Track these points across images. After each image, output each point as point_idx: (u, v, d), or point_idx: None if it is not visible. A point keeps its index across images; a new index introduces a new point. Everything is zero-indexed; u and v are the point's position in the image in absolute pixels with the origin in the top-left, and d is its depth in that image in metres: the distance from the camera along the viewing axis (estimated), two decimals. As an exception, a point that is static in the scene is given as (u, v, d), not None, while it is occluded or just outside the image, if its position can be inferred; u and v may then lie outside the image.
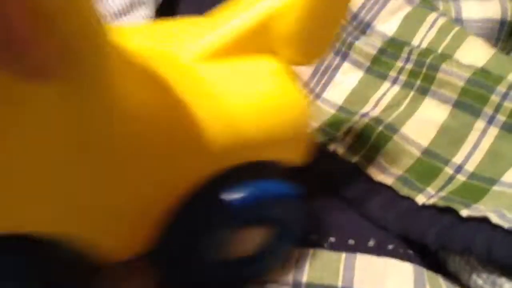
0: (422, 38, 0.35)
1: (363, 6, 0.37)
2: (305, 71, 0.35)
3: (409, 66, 0.33)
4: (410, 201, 0.28)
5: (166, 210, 0.20)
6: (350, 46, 0.35)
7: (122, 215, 0.19)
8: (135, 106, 0.18)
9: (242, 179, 0.21)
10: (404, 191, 0.28)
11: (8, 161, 0.15)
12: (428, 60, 0.33)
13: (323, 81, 0.35)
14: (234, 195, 0.21)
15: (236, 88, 0.21)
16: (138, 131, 0.18)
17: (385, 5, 0.36)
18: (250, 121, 0.21)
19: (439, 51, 0.33)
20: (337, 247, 0.27)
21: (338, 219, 0.28)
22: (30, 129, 0.15)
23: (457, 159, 0.29)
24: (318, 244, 0.27)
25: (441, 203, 0.26)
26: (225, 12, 0.23)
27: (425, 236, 0.26)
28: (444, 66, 0.32)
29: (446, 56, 0.33)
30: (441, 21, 0.35)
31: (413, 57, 0.34)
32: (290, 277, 0.25)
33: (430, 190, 0.28)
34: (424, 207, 0.27)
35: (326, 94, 0.35)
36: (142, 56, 0.19)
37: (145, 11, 0.40)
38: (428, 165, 0.29)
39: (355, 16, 0.36)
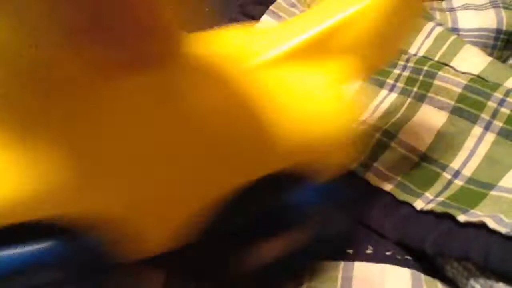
0: (419, 46, 0.35)
1: None
2: None
3: (406, 73, 0.34)
4: (409, 206, 0.28)
5: (210, 208, 0.21)
6: None
7: (172, 207, 0.20)
8: (207, 107, 0.19)
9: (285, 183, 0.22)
10: (403, 196, 0.28)
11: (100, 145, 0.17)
12: (425, 68, 0.33)
13: None
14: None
15: (294, 95, 0.21)
16: (207, 131, 0.19)
17: None
18: (302, 128, 0.21)
19: (436, 58, 0.34)
20: (336, 256, 0.27)
21: (337, 228, 0.28)
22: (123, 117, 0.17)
23: (455, 164, 0.29)
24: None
25: (439, 209, 0.26)
26: (304, 17, 0.23)
27: (422, 243, 0.26)
28: (441, 73, 0.32)
29: (443, 64, 0.33)
30: (437, 30, 0.35)
31: (410, 64, 0.34)
32: (290, 285, 0.25)
33: (428, 195, 0.28)
34: (422, 213, 0.27)
35: None
36: (212, 62, 0.20)
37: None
38: (426, 171, 0.29)
39: None
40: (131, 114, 0.18)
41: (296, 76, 0.22)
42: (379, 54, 0.24)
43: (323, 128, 0.22)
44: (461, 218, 0.25)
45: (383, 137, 0.31)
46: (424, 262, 0.27)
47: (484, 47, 0.36)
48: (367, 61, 0.23)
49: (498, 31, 0.37)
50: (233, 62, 0.21)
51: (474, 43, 0.35)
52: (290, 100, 0.21)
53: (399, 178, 0.29)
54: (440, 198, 0.28)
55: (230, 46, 0.22)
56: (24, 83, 0.16)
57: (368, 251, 0.27)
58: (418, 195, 0.28)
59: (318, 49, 0.22)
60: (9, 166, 0.17)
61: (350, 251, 0.27)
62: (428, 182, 0.29)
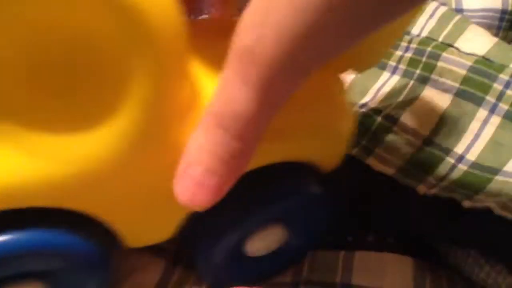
0: (422, 27, 0.34)
1: None
2: None
3: (408, 54, 0.33)
4: (411, 191, 0.27)
5: None
6: None
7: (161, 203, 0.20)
8: None
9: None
10: (405, 181, 0.28)
11: None
12: (428, 48, 0.32)
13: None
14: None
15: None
16: None
17: None
18: (300, 123, 0.21)
19: (440, 39, 0.33)
20: (336, 245, 0.27)
21: (338, 215, 0.28)
22: None
23: (459, 148, 0.28)
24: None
25: (443, 194, 0.26)
26: None
27: (425, 229, 0.26)
28: (445, 54, 0.31)
29: (447, 45, 0.32)
30: (441, 10, 0.34)
31: (413, 45, 0.33)
32: (288, 275, 0.25)
33: (432, 179, 0.28)
34: (426, 198, 0.27)
35: None
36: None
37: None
38: (429, 155, 0.29)
39: None
40: None
41: None
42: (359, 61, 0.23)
43: (327, 122, 0.22)
44: (466, 203, 0.25)
45: (385, 121, 0.30)
46: (427, 250, 0.26)
47: (488, 28, 0.35)
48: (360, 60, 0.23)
49: (503, 11, 0.36)
50: None
51: (479, 24, 0.34)
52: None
53: (401, 163, 0.29)
54: (444, 183, 0.27)
55: None
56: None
57: (370, 239, 0.27)
58: (421, 180, 0.27)
59: None
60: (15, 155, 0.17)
61: (350, 238, 0.27)
62: (431, 166, 0.28)
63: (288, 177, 0.22)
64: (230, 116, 0.16)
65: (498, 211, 0.23)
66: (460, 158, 0.28)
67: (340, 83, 0.23)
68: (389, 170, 0.28)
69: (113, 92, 0.17)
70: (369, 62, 0.24)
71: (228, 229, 0.22)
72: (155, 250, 0.25)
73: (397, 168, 0.28)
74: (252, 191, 0.21)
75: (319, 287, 0.25)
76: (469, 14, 0.36)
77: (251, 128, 0.16)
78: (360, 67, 0.24)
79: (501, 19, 0.36)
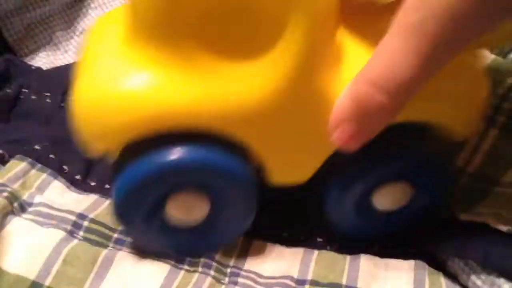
0: None
1: None
2: None
3: None
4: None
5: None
6: None
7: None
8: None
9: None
10: None
11: None
12: None
13: None
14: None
15: None
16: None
17: None
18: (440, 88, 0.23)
19: None
20: (343, 250, 0.28)
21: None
22: None
23: (459, 162, 0.29)
24: (323, 247, 0.28)
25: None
26: None
27: (422, 240, 0.27)
28: None
29: None
30: None
31: None
32: (294, 274, 0.26)
33: None
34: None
35: None
36: None
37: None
38: None
39: None
40: None
41: None
42: None
43: (463, 89, 0.24)
44: (463, 216, 0.26)
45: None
46: (427, 256, 0.28)
47: None
48: None
49: None
50: None
51: None
52: None
53: None
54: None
55: None
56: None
57: (374, 248, 0.28)
58: None
59: None
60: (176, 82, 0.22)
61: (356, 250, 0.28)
62: None
63: (416, 138, 0.25)
64: (389, 78, 0.19)
65: (494, 224, 0.25)
66: (461, 172, 0.29)
67: (478, 57, 0.25)
68: None
69: (274, 37, 0.21)
70: (501, 40, 0.27)
71: (356, 178, 0.25)
72: (157, 256, 0.26)
73: None
74: (382, 147, 0.24)
75: None
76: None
77: (404, 90, 0.19)
78: (493, 45, 0.28)
79: None
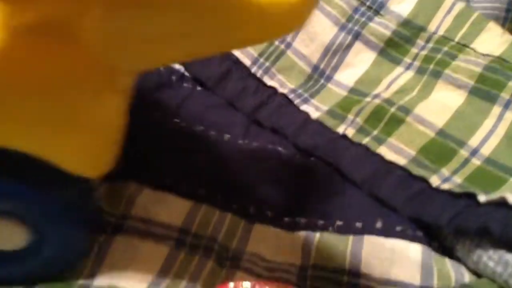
0: (439, 23, 0.35)
1: None
2: (315, 51, 0.35)
3: (424, 52, 0.34)
4: (423, 182, 0.28)
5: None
6: (363, 26, 0.35)
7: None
8: None
9: None
10: (417, 171, 0.28)
11: None
12: (445, 48, 0.33)
13: (333, 62, 0.35)
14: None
15: None
16: None
17: None
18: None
19: (456, 39, 0.34)
20: (344, 230, 0.27)
21: (346, 203, 0.29)
22: None
23: (473, 142, 0.29)
24: (325, 228, 0.28)
25: (457, 190, 0.27)
26: None
27: (438, 220, 0.26)
28: (461, 56, 0.32)
29: (463, 45, 0.33)
30: (459, 6, 0.35)
31: (429, 44, 0.34)
32: (297, 260, 0.26)
33: (445, 171, 0.28)
34: (438, 190, 0.27)
35: (337, 76, 0.35)
36: None
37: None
38: (443, 146, 0.30)
39: None
40: None
41: None
42: None
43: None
44: (482, 197, 0.26)
45: (398, 112, 0.31)
46: (433, 241, 0.27)
47: (495, 19, 0.36)
48: None
49: (510, 3, 0.37)
50: None
51: (486, 15, 0.35)
52: None
53: (413, 153, 0.29)
54: (457, 179, 0.28)
55: None
56: None
57: (378, 225, 0.28)
58: (434, 171, 0.28)
59: None
60: None
61: (359, 224, 0.28)
62: (444, 158, 0.29)
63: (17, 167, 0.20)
64: None
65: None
66: (474, 152, 0.29)
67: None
68: (401, 160, 0.29)
69: None
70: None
71: None
72: (156, 240, 0.26)
73: (410, 158, 0.29)
74: None
75: (327, 273, 0.25)
76: (476, 5, 0.37)
77: None
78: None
79: (507, 11, 0.37)
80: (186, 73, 0.35)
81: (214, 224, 0.27)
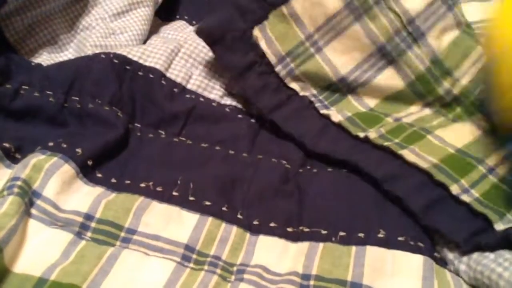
0: (465, 72, 0.34)
1: (420, 13, 0.34)
2: (346, 63, 0.34)
3: (448, 98, 0.34)
4: (442, 190, 0.28)
5: None
6: (400, 53, 0.34)
7: None
8: None
9: None
10: (440, 177, 0.28)
11: None
12: (468, 100, 0.33)
13: (362, 79, 0.34)
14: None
15: None
16: None
17: (440, 19, 0.34)
18: None
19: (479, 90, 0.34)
20: (347, 240, 0.27)
21: (349, 213, 0.29)
22: None
23: (490, 161, 0.29)
24: (328, 239, 0.27)
25: (477, 207, 0.27)
26: None
27: (455, 234, 0.26)
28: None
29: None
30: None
31: (455, 91, 0.34)
32: (299, 270, 0.26)
33: (464, 182, 0.28)
34: (458, 201, 0.27)
35: (362, 92, 0.34)
36: None
37: (144, 11, 0.40)
38: (462, 160, 0.29)
39: (411, 21, 0.34)
40: None
41: None
42: None
43: None
44: (498, 226, 0.25)
45: (419, 130, 0.31)
46: (434, 253, 0.27)
47: None
48: None
49: None
50: None
51: (479, 36, 0.35)
52: None
53: (435, 161, 0.29)
54: (475, 193, 0.28)
55: None
56: None
57: (380, 235, 0.27)
58: (455, 180, 0.28)
59: None
60: None
61: (362, 235, 0.27)
62: (464, 170, 0.29)
63: None
64: None
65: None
66: (491, 170, 0.29)
67: None
68: (424, 164, 0.29)
69: None
70: None
71: None
72: (163, 254, 0.26)
73: (431, 163, 0.29)
74: None
75: (330, 284, 0.25)
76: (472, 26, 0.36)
77: None
78: None
79: None
80: (188, 86, 0.35)
81: (220, 239, 0.27)
